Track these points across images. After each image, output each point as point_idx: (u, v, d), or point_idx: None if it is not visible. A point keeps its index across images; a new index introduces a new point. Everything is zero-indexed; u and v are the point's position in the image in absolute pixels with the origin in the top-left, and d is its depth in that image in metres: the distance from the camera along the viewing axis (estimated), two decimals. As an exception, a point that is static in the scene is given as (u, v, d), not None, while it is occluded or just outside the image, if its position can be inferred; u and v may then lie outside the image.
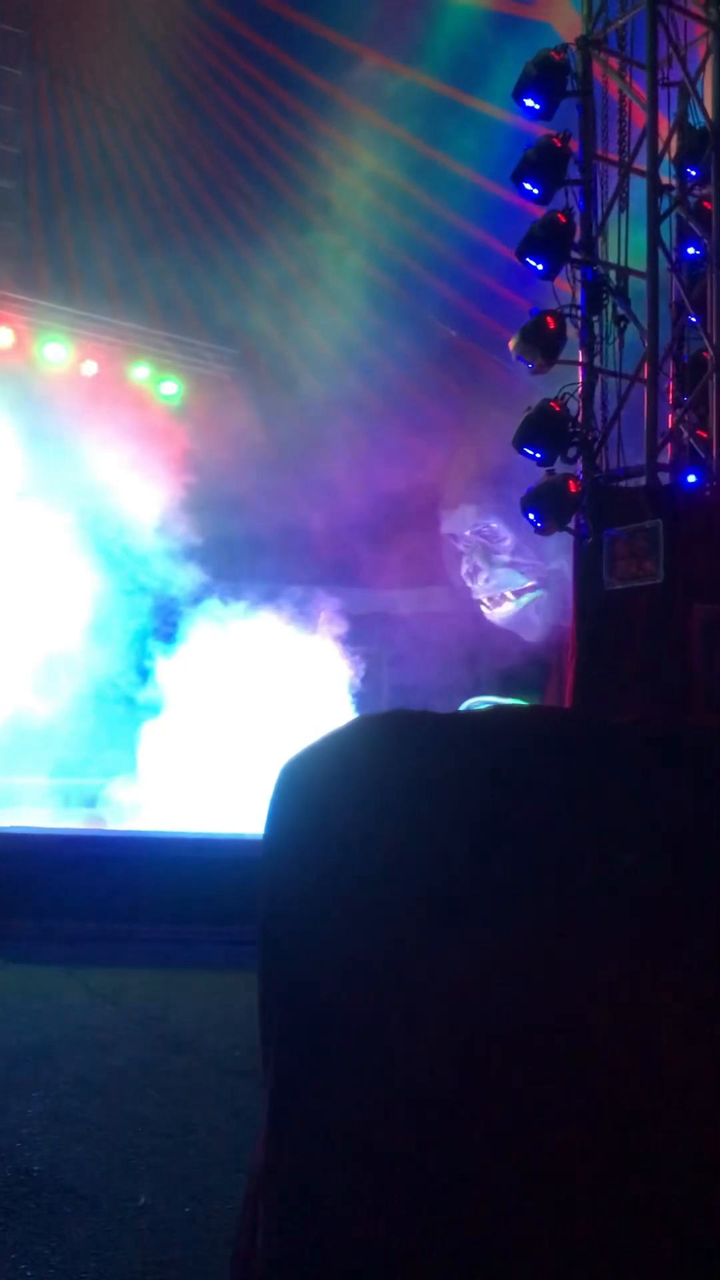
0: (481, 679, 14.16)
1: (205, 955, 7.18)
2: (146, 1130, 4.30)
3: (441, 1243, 1.58)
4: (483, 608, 16.61)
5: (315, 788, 1.87)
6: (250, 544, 13.77)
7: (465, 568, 16.77)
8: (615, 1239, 1.53)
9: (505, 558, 16.48)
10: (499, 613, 16.55)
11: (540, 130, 8.75)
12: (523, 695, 12.91)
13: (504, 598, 16.52)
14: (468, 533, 16.51)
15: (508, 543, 16.36)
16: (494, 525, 16.34)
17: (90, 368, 15.07)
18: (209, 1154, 4.12)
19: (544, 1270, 1.53)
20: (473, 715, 1.90)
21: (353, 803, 1.81)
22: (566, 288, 8.79)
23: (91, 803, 11.86)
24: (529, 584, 16.36)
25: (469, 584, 16.74)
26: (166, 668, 12.30)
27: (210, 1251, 3.36)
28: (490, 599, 16.62)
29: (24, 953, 7.05)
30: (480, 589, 16.65)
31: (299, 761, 1.92)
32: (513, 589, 16.48)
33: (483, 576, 16.59)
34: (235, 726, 11.45)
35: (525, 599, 16.34)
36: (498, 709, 1.96)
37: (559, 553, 15.57)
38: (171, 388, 15.87)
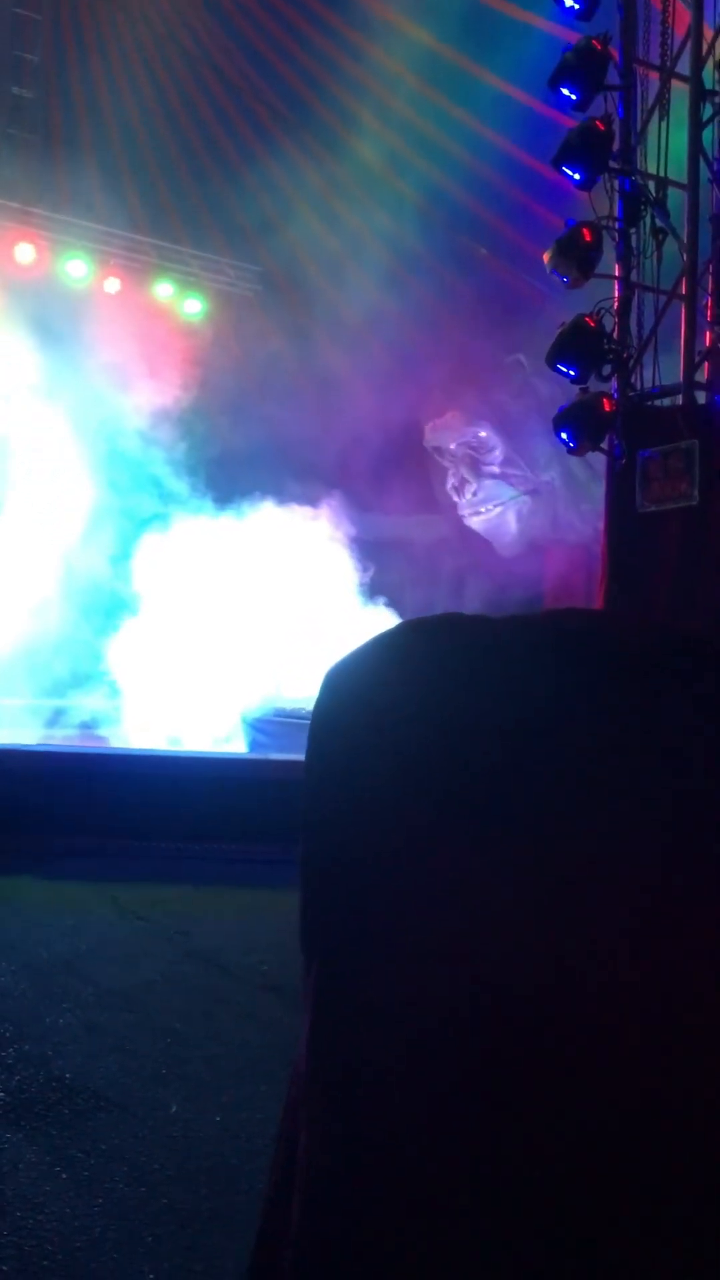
0: (490, 604, 13.91)
1: (234, 873, 7.23)
2: (176, 1041, 4.34)
3: (487, 1136, 1.55)
4: (467, 520, 15.92)
5: (363, 693, 1.81)
6: (257, 463, 13.58)
7: (451, 481, 15.94)
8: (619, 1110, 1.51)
9: (495, 469, 15.60)
10: (477, 520, 15.83)
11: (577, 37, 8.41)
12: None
13: (490, 510, 15.79)
14: (453, 446, 15.68)
15: (497, 453, 15.50)
16: (482, 434, 15.49)
17: (113, 285, 14.82)
18: (238, 1066, 4.15)
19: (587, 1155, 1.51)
20: (533, 618, 1.83)
21: (403, 708, 1.75)
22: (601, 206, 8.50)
23: (75, 720, 11.82)
24: (518, 495, 15.62)
25: (455, 499, 15.94)
26: (155, 572, 12.19)
27: (241, 1159, 3.40)
28: (476, 513, 15.85)
29: (53, 869, 7.11)
30: (468, 503, 15.82)
31: (346, 666, 1.86)
32: (500, 501, 15.72)
33: (470, 489, 15.73)
34: (231, 630, 11.46)
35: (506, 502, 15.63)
36: (562, 612, 1.88)
37: (551, 463, 15.02)
38: (195, 305, 15.61)
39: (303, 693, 10.77)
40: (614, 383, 8.29)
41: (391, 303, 14.17)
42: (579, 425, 8.17)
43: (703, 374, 8.11)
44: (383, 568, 13.83)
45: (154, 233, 15.03)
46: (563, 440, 8.30)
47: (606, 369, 8.24)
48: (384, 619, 12.06)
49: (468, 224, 14.38)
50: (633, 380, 8.31)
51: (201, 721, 10.98)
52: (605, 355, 8.19)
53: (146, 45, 14.91)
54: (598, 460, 11.39)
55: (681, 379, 7.99)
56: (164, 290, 15.34)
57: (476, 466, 15.64)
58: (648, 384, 8.32)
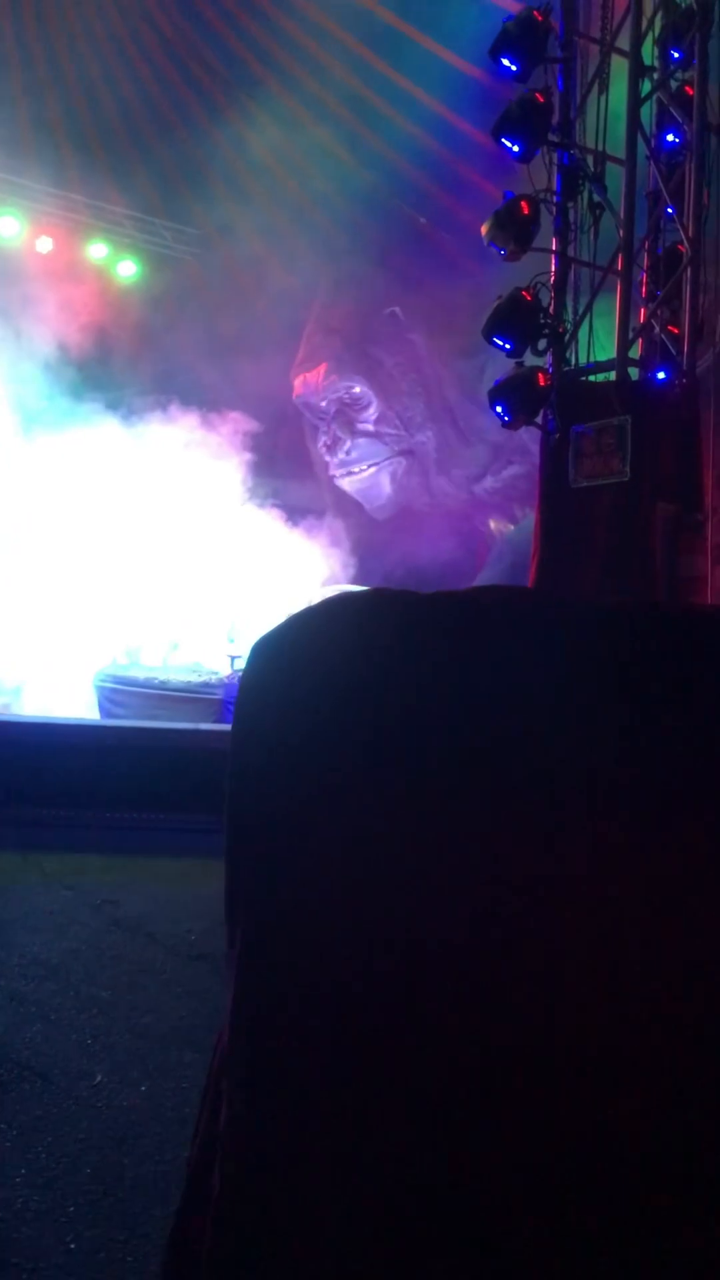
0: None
1: (162, 842, 7.18)
2: (102, 1011, 4.32)
3: (413, 1112, 1.56)
4: (339, 481, 15.26)
5: (290, 665, 1.80)
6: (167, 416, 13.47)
7: (324, 440, 15.19)
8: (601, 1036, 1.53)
9: (369, 426, 14.90)
10: (349, 482, 15.17)
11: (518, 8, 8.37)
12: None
13: (364, 470, 15.04)
14: (324, 403, 14.97)
15: (371, 410, 14.80)
16: (356, 390, 14.78)
17: (45, 244, 14.54)
18: (164, 1034, 4.14)
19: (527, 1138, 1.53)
20: (457, 594, 1.84)
21: (330, 680, 1.75)
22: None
23: None
24: (392, 455, 14.92)
25: (327, 458, 15.23)
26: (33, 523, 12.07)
27: (165, 1128, 3.39)
28: (349, 473, 15.12)
29: (-24, 838, 7.02)
30: (340, 462, 15.10)
31: (274, 637, 1.86)
32: (374, 461, 14.98)
33: (344, 448, 14.99)
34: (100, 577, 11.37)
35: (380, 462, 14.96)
36: (484, 590, 1.90)
37: (426, 422, 14.71)
38: (130, 268, 15.38)
39: (157, 659, 10.72)
40: (549, 357, 8.31)
41: (327, 271, 14.06)
42: (514, 399, 8.18)
43: (637, 350, 8.17)
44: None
45: (87, 192, 14.76)
46: (498, 414, 8.31)
47: (542, 343, 8.25)
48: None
49: (409, 193, 14.30)
50: (567, 355, 8.34)
51: (50, 681, 10.87)
52: (541, 330, 8.20)
53: (85, 2, 14.57)
54: (471, 424, 11.29)
55: (616, 355, 8.04)
56: (98, 251, 15.09)
57: (351, 424, 14.89)
58: (582, 359, 8.36)
